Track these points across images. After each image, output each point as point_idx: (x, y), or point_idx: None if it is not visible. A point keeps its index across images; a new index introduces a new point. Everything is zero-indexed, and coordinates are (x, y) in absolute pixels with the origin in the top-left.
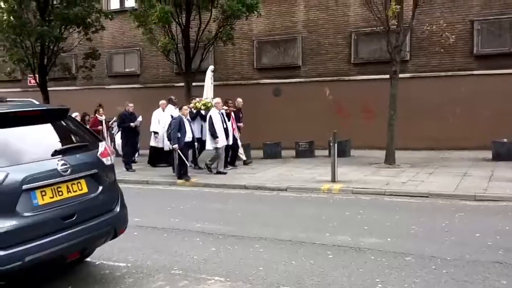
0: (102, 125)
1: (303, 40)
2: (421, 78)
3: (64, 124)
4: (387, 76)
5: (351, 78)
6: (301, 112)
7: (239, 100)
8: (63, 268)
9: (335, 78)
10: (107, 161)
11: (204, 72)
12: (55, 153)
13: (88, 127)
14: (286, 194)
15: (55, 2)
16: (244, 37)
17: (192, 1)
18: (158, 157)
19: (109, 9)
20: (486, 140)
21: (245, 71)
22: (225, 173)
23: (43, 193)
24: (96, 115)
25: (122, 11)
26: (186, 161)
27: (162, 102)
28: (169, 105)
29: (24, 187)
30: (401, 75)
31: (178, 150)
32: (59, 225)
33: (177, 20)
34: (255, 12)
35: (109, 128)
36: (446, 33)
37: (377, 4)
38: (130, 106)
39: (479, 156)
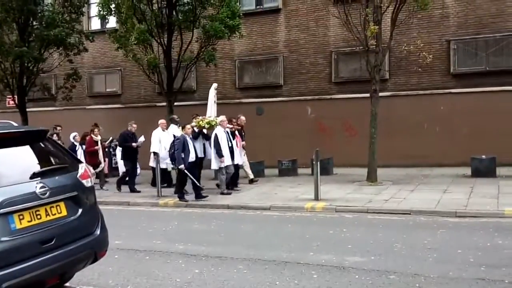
0: (97, 145)
1: (285, 60)
2: (401, 97)
3: (43, 145)
4: (368, 94)
5: (332, 96)
6: (283, 130)
7: (243, 118)
8: None
9: (316, 97)
10: (87, 183)
11: (186, 92)
12: (34, 175)
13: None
14: (269, 213)
15: (35, 23)
16: (226, 56)
17: (174, 22)
18: (164, 178)
19: (89, 29)
20: (465, 157)
21: (228, 90)
22: (229, 194)
23: (21, 217)
24: (92, 135)
25: (102, 31)
26: (196, 182)
27: (162, 121)
28: (172, 125)
29: (1, 211)
30: (381, 94)
31: (186, 171)
32: (37, 250)
33: (158, 40)
34: (237, 33)
35: (105, 149)
36: (424, 53)
37: (356, 25)
38: (134, 127)
39: (458, 173)
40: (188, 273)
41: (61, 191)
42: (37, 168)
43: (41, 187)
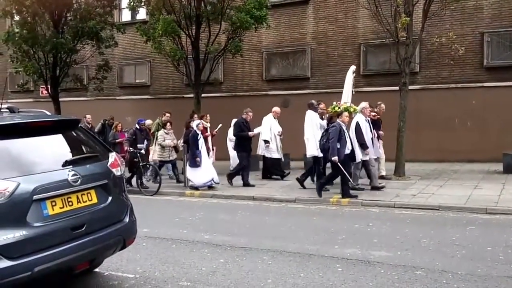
0: (207, 132)
1: (312, 52)
2: (431, 90)
3: (75, 134)
4: (397, 87)
5: (360, 89)
6: None
7: (383, 106)
8: (72, 279)
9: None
10: (117, 171)
11: (213, 83)
12: (66, 163)
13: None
14: (294, 206)
15: (68, 15)
16: (253, 48)
17: (202, 14)
18: (273, 168)
19: (120, 21)
20: (497, 153)
21: (254, 82)
22: (382, 187)
23: (53, 204)
24: (202, 121)
25: (133, 23)
26: (349, 177)
27: (276, 109)
28: (309, 111)
29: (35, 197)
30: (410, 87)
31: (339, 164)
32: (68, 236)
33: (187, 32)
34: (264, 24)
35: (212, 136)
36: (456, 45)
37: (386, 16)
38: (249, 115)
39: (490, 169)
40: (213, 262)
41: (92, 179)
42: (69, 156)
43: (73, 175)
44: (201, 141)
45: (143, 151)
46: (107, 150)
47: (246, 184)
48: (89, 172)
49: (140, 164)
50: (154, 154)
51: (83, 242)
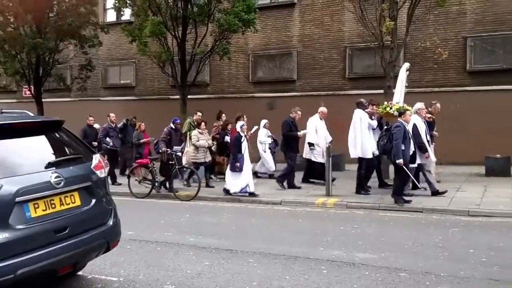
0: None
1: (299, 55)
2: (415, 94)
3: (58, 136)
4: (382, 91)
5: (346, 92)
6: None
7: (438, 105)
8: (55, 282)
9: (330, 92)
10: (100, 173)
11: (200, 85)
12: (49, 165)
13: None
14: (280, 208)
15: (51, 15)
16: (240, 50)
17: (189, 15)
18: (314, 172)
19: (105, 21)
20: (479, 156)
21: (241, 84)
22: (444, 192)
23: (36, 206)
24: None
25: (118, 23)
26: (416, 181)
27: (322, 109)
28: (358, 110)
29: (17, 199)
30: (395, 90)
31: (404, 167)
32: (51, 238)
33: (173, 33)
34: (252, 28)
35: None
36: (440, 49)
37: (371, 20)
38: (298, 114)
39: (472, 172)
40: (198, 265)
41: (75, 181)
42: (52, 158)
43: (56, 177)
44: (244, 144)
45: (179, 153)
46: (91, 152)
47: (291, 186)
48: (72, 174)
49: (177, 167)
50: (187, 156)
51: (67, 245)
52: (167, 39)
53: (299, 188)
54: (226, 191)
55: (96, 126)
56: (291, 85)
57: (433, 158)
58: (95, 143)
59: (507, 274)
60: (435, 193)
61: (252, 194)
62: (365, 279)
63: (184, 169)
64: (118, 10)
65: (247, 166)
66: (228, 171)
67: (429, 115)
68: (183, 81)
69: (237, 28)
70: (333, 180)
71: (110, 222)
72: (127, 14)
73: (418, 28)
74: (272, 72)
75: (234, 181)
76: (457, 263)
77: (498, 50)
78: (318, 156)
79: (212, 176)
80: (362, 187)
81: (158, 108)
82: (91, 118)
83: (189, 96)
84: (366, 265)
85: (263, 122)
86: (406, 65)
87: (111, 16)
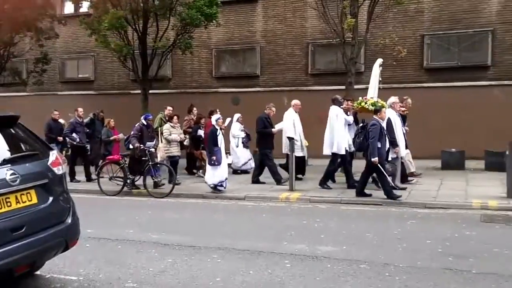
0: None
1: (262, 50)
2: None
3: (14, 132)
4: (343, 87)
5: (308, 88)
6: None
7: (409, 100)
8: (12, 282)
9: (293, 88)
10: (58, 170)
11: (161, 80)
12: (4, 162)
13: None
14: (244, 203)
15: (5, 6)
16: (202, 45)
17: (150, 8)
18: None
19: (63, 13)
20: (436, 150)
21: (204, 79)
22: (404, 189)
23: None
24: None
25: (76, 15)
26: (389, 180)
27: (296, 102)
28: (334, 106)
29: None
30: (356, 86)
31: (380, 165)
32: (7, 237)
33: (133, 26)
34: (214, 22)
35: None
36: (399, 47)
37: (333, 17)
38: (272, 110)
39: (429, 165)
40: (161, 263)
41: (31, 178)
42: (7, 154)
43: (12, 174)
44: (220, 138)
45: (152, 149)
46: (48, 148)
47: (257, 181)
48: (28, 171)
49: (150, 163)
50: (160, 151)
51: (23, 244)
52: (127, 33)
53: (263, 183)
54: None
55: (61, 121)
56: (255, 80)
57: (403, 152)
58: (61, 138)
59: (462, 264)
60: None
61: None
62: (327, 271)
63: (158, 165)
64: (76, 2)
65: (224, 159)
66: (207, 166)
67: (403, 108)
68: (145, 75)
69: (199, 23)
70: (301, 176)
71: (69, 220)
72: (86, 6)
73: (378, 26)
74: (236, 67)
75: (213, 173)
76: (415, 253)
77: (453, 48)
78: (297, 150)
79: (200, 172)
80: (326, 181)
81: (119, 103)
82: (56, 112)
83: (150, 91)
84: (328, 258)
85: (236, 116)
86: (379, 60)
87: (69, 8)
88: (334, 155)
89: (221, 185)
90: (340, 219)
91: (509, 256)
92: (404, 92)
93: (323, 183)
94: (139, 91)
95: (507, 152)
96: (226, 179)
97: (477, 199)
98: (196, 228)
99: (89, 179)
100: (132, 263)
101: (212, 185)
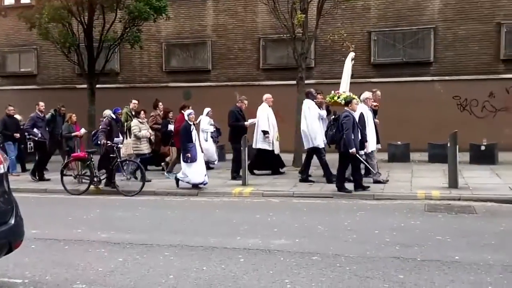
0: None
1: (213, 44)
2: (326, 85)
3: None
4: (294, 82)
5: (260, 83)
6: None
7: (378, 93)
8: None
9: (244, 83)
10: None
11: (109, 74)
12: None
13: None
14: (197, 199)
15: None
16: (152, 38)
17: (95, 0)
18: (263, 162)
19: (3, 4)
20: (383, 143)
21: (153, 73)
22: (386, 181)
23: None
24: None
25: (17, 7)
26: (370, 168)
27: (268, 96)
28: (307, 100)
29: None
30: (306, 81)
31: (358, 156)
32: None
33: (78, 18)
34: (163, 15)
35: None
36: (347, 42)
37: (284, 12)
38: (245, 103)
39: (377, 158)
40: (111, 262)
41: None
42: None
43: None
44: (194, 133)
45: (120, 145)
46: None
47: (235, 177)
48: None
49: (119, 160)
50: (129, 148)
51: None
52: (71, 25)
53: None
54: (177, 181)
55: (18, 116)
56: (206, 75)
57: (374, 146)
58: (17, 135)
59: (408, 252)
60: (377, 182)
61: (195, 186)
62: (280, 264)
63: (127, 162)
64: None
65: (200, 155)
66: (182, 163)
67: (375, 104)
68: (91, 69)
69: (148, 16)
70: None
71: (12, 221)
72: None
73: (328, 22)
74: (187, 61)
75: (194, 171)
76: (364, 244)
77: (398, 45)
78: (266, 144)
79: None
80: (331, 174)
81: (64, 97)
82: (11, 108)
83: (97, 86)
84: (281, 251)
85: (206, 110)
86: (352, 54)
87: None
88: (317, 149)
89: (204, 182)
90: (293, 213)
91: (451, 244)
92: (352, 87)
93: (337, 183)
94: (85, 86)
95: (448, 144)
96: (205, 175)
97: (421, 190)
98: (147, 226)
99: (41, 178)
100: (80, 263)
101: (194, 184)
